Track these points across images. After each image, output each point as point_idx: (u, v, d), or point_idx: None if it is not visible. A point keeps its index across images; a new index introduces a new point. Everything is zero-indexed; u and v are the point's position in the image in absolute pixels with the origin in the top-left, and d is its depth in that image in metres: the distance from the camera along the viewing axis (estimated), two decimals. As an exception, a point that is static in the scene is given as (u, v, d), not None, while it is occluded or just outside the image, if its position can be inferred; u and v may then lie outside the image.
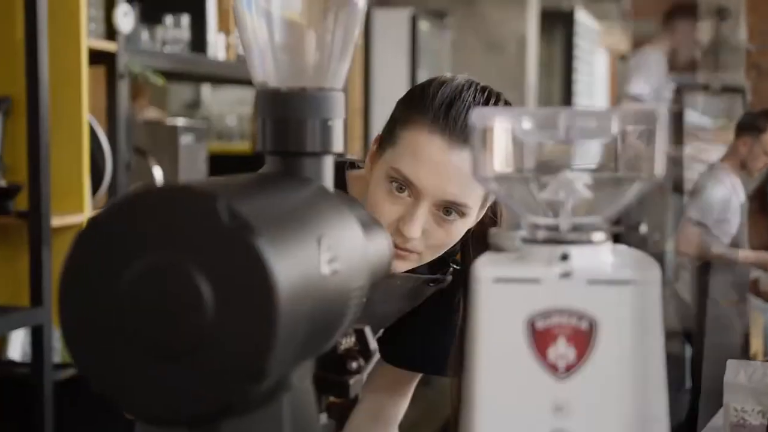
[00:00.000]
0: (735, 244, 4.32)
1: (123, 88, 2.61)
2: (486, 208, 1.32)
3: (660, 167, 0.69)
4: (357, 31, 0.83)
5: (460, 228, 1.26)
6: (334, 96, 0.81)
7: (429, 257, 1.28)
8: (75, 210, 2.45)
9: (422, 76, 5.80)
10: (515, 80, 5.38)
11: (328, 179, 0.81)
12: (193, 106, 5.11)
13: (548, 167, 0.73)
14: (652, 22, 9.92)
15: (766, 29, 9.63)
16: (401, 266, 1.28)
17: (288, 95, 0.80)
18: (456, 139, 1.21)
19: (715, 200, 4.17)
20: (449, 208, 1.23)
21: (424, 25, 4.87)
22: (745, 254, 4.30)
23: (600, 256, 0.69)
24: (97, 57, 2.56)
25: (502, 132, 0.71)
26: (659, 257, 4.89)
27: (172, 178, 2.95)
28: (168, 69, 2.92)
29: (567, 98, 7.34)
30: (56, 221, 2.37)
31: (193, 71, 3.16)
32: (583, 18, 7.39)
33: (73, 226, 2.47)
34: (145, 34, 2.89)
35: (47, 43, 2.34)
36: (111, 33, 2.60)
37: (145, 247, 0.61)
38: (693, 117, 4.61)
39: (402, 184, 1.23)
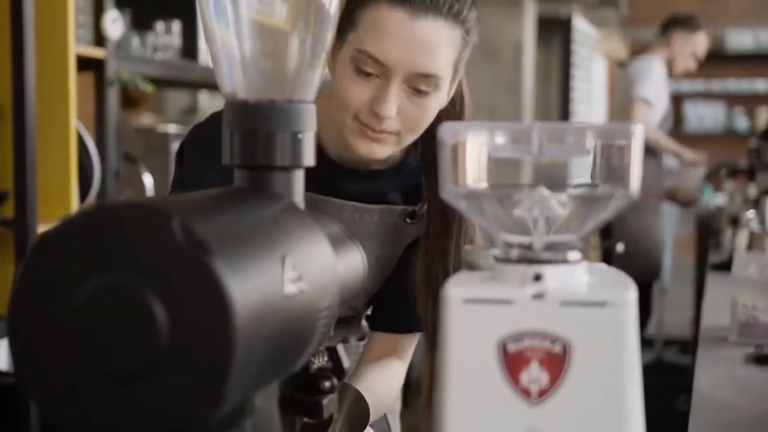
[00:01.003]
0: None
1: (112, 95, 2.58)
2: (457, 82, 1.30)
3: (636, 184, 0.66)
4: (328, 40, 0.81)
5: (433, 103, 1.24)
6: (304, 108, 0.78)
7: (408, 138, 1.26)
8: (62, 217, 2.42)
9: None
10: (512, 86, 5.35)
11: (299, 194, 0.79)
12: (189, 112, 5.09)
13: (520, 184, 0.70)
14: (650, 30, 9.91)
15: None
16: (381, 150, 1.25)
17: (256, 107, 0.77)
18: (418, 8, 1.19)
19: (659, 80, 4.38)
20: (420, 83, 1.21)
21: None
22: (669, 143, 4.62)
23: (575, 276, 0.67)
24: (85, 63, 2.54)
25: (474, 147, 0.68)
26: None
27: (164, 185, 2.92)
28: (158, 76, 2.90)
29: (564, 105, 7.32)
30: (43, 229, 2.34)
31: (184, 78, 3.13)
32: (580, 25, 7.37)
33: (60, 234, 2.44)
34: (135, 41, 2.87)
35: (34, 49, 2.31)
36: (100, 39, 2.58)
37: (97, 266, 0.58)
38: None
39: (369, 64, 1.20)
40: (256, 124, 0.77)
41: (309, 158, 0.79)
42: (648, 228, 4.34)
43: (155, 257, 0.57)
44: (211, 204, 0.67)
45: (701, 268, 4.59)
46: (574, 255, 0.68)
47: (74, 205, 2.45)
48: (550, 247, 0.68)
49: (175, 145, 2.99)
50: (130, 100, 3.51)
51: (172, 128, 3.07)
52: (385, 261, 1.38)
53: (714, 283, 2.69)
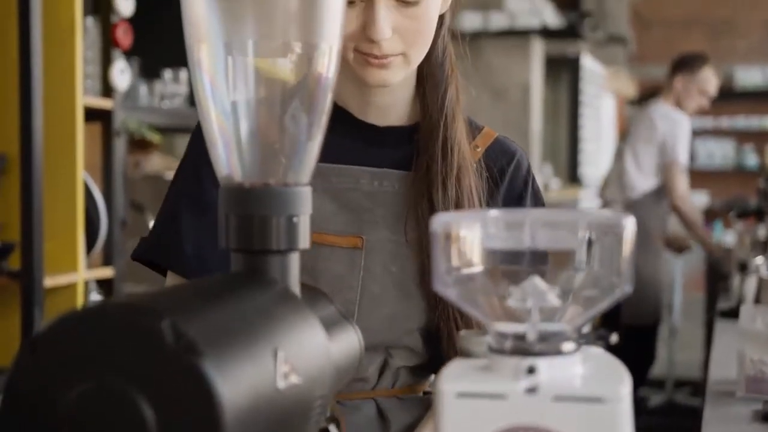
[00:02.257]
0: None
1: (119, 145, 2.60)
2: None
3: (628, 279, 0.66)
4: (323, 123, 0.81)
5: (430, 10, 1.16)
6: (299, 191, 0.78)
7: (416, 55, 1.18)
8: (69, 269, 2.43)
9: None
10: (520, 127, 5.37)
11: (294, 277, 0.78)
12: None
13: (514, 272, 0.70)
14: (659, 67, 9.94)
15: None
16: (392, 75, 1.17)
17: (252, 191, 0.77)
18: None
19: (684, 142, 4.39)
20: None
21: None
22: (699, 229, 4.60)
23: (569, 367, 0.67)
24: (93, 114, 2.56)
25: (466, 237, 0.68)
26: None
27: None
28: (166, 124, 2.91)
29: (573, 143, 7.32)
30: (49, 281, 2.35)
31: (192, 126, 3.14)
32: (588, 63, 7.39)
33: (66, 286, 2.44)
34: (143, 89, 2.89)
35: (42, 101, 2.33)
36: (108, 90, 2.59)
37: (86, 368, 0.58)
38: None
39: None
40: (252, 208, 0.77)
41: (305, 241, 0.79)
42: (652, 271, 4.31)
43: (145, 359, 0.57)
44: (203, 298, 0.67)
45: (711, 311, 4.57)
46: (568, 346, 0.67)
47: (81, 257, 2.45)
48: (543, 337, 0.68)
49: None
50: (140, 143, 3.53)
51: (179, 175, 3.07)
52: (415, 241, 1.21)
53: (722, 331, 2.67)
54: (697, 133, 9.91)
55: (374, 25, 1.12)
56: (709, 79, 4.48)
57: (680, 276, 6.01)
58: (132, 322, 0.58)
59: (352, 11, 1.13)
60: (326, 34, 0.78)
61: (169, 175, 3.31)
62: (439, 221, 0.68)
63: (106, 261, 2.64)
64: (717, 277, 4.60)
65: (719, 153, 9.91)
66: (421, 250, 1.19)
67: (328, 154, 1.25)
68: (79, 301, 2.46)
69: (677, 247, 4.87)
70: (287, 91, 0.79)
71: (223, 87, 0.77)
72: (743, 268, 3.28)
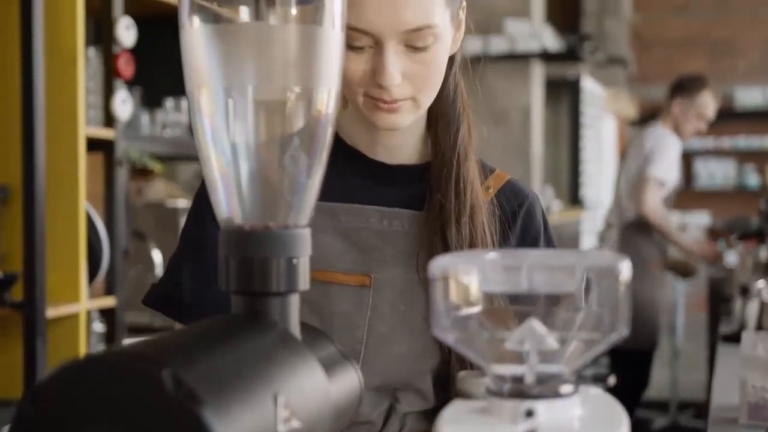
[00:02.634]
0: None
1: (121, 175, 2.61)
2: (463, 24, 1.21)
3: (624, 322, 0.66)
4: (323, 164, 0.82)
5: (439, 53, 1.14)
6: (299, 233, 0.79)
7: (425, 99, 1.17)
8: (71, 299, 2.44)
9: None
10: (521, 150, 5.38)
11: (294, 318, 0.79)
12: (200, 177, 5.11)
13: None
14: (659, 87, 9.97)
15: (650, 0, 9.66)
16: (401, 119, 1.16)
17: (252, 234, 0.78)
18: None
19: (674, 159, 4.35)
20: (416, 40, 1.12)
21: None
22: (679, 237, 4.56)
23: (567, 410, 0.67)
24: (95, 144, 2.57)
25: (463, 280, 0.69)
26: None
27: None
28: (167, 153, 2.92)
29: (574, 165, 7.34)
30: (52, 312, 2.35)
31: (193, 154, 3.16)
32: (589, 85, 7.42)
33: (69, 316, 2.45)
34: (145, 118, 2.90)
35: (45, 131, 2.34)
36: (109, 120, 2.61)
37: (87, 418, 0.59)
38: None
39: (356, 38, 1.12)
40: (252, 250, 0.78)
41: (305, 282, 0.79)
42: (649, 296, 4.30)
43: (146, 408, 0.58)
44: (203, 344, 0.67)
45: (713, 333, 4.56)
46: (566, 388, 0.68)
47: (83, 287, 2.46)
48: (541, 380, 0.68)
49: (184, 220, 3.01)
50: (142, 170, 3.54)
51: (181, 203, 3.09)
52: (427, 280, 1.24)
53: (724, 356, 2.67)
54: (698, 153, 9.94)
55: (383, 71, 1.12)
56: (708, 104, 4.47)
57: (683, 297, 6.01)
58: (132, 371, 0.59)
59: (360, 56, 1.13)
60: (325, 78, 0.79)
61: (171, 202, 3.33)
62: (437, 265, 0.69)
63: (109, 290, 2.64)
64: (719, 299, 4.59)
65: (720, 173, 9.93)
66: None
67: (338, 193, 1.25)
68: (82, 332, 2.46)
69: (682, 271, 4.86)
70: (286, 133, 0.80)
71: (223, 130, 0.78)
72: (745, 291, 3.27)
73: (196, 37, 0.77)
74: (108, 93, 2.59)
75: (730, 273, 4.60)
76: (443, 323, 0.69)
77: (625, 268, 0.67)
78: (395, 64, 1.12)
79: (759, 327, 2.79)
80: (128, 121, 2.67)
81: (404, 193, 1.25)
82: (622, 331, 0.68)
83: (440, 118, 1.24)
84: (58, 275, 2.41)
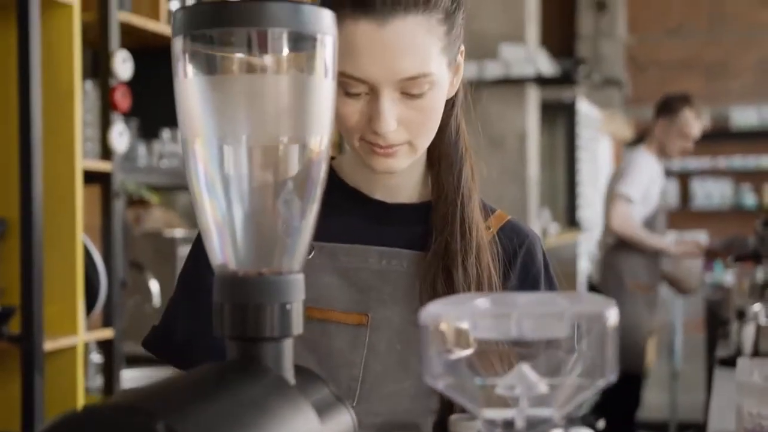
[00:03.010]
0: (648, 228, 4.42)
1: (118, 207, 2.62)
2: (461, 69, 1.22)
3: (612, 367, 0.67)
4: (315, 211, 0.83)
5: (436, 98, 1.15)
6: (292, 279, 0.80)
7: (422, 143, 1.17)
8: (69, 332, 2.44)
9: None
10: (517, 174, 5.40)
11: (287, 363, 0.80)
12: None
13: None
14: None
15: (644, 22, 9.71)
16: (397, 163, 1.17)
17: (245, 280, 0.79)
18: (381, 12, 1.11)
19: (647, 177, 4.30)
20: (412, 87, 1.12)
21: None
22: (652, 239, 4.38)
23: (557, 455, 0.68)
24: (92, 176, 2.58)
25: (455, 327, 0.70)
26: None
27: (171, 290, 2.93)
28: (164, 184, 2.94)
29: (570, 187, 7.36)
30: (49, 345, 2.36)
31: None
32: (584, 107, 7.45)
33: (66, 348, 2.45)
34: (142, 149, 2.92)
35: (42, 164, 2.36)
36: (106, 152, 2.62)
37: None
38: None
39: (353, 85, 1.13)
40: (246, 297, 0.79)
41: (298, 327, 0.80)
42: (635, 319, 4.26)
43: (141, 461, 0.59)
44: (197, 392, 0.68)
45: (711, 355, 4.56)
46: (556, 432, 0.69)
47: (80, 320, 2.46)
48: (532, 424, 0.69)
49: (182, 250, 3.02)
50: (141, 199, 3.55)
51: (179, 233, 3.11)
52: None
53: (721, 380, 2.67)
54: (694, 173, 9.98)
55: (379, 118, 1.12)
56: (689, 122, 4.41)
57: (681, 318, 6.01)
58: (127, 424, 0.60)
59: (357, 102, 1.14)
60: (317, 126, 0.81)
61: (169, 232, 3.35)
62: (429, 312, 0.70)
63: (106, 322, 2.65)
64: (716, 321, 4.60)
65: (717, 193, 9.96)
66: None
67: (338, 233, 1.26)
68: (80, 364, 2.47)
69: (682, 289, 4.85)
70: (280, 179, 0.81)
71: (216, 178, 0.80)
72: (741, 315, 3.28)
73: (190, 88, 0.79)
74: (105, 126, 2.61)
75: (728, 294, 4.60)
76: (434, 369, 0.70)
77: (612, 315, 0.68)
78: (391, 110, 1.12)
79: (755, 351, 2.80)
80: (125, 152, 2.69)
81: (404, 233, 1.25)
82: (610, 377, 0.69)
83: (442, 159, 1.25)
84: (56, 308, 2.42)
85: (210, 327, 1.00)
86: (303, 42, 0.79)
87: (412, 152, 1.17)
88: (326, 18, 0.79)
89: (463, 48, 1.22)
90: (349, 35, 1.12)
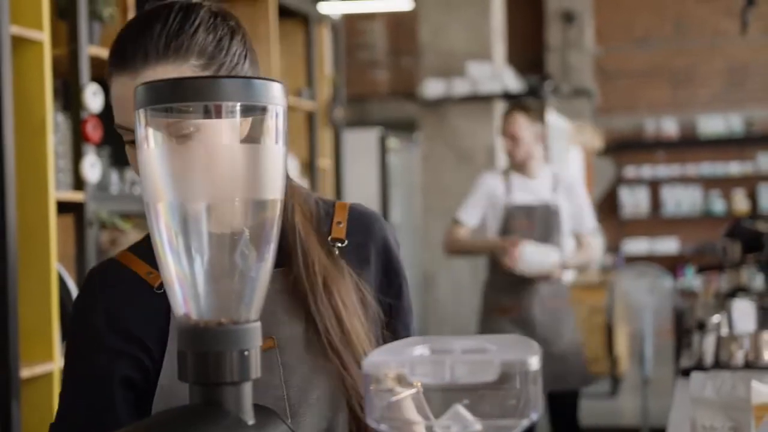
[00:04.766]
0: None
1: (91, 236, 2.68)
2: None
3: (536, 408, 0.75)
4: (270, 262, 0.90)
5: (215, 140, 1.14)
6: (250, 327, 0.87)
7: None
8: (45, 360, 2.50)
9: (394, 191, 5.93)
10: (486, 188, 5.48)
11: (247, 405, 0.87)
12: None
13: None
14: (624, 118, 10.15)
15: (612, 33, 9.87)
16: None
17: (206, 329, 0.86)
18: (133, 65, 1.17)
19: (479, 196, 4.09)
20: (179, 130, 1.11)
21: (393, 142, 4.98)
22: (475, 242, 4.15)
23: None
24: (65, 206, 2.64)
25: (395, 375, 0.77)
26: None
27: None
28: (138, 211, 3.00)
29: (542, 198, 7.44)
30: (26, 372, 2.41)
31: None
32: (553, 119, 7.55)
33: (42, 375, 2.50)
34: (114, 177, 2.98)
35: (15, 196, 2.41)
36: (79, 183, 2.68)
37: None
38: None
39: (125, 134, 1.19)
40: (207, 345, 0.86)
41: (256, 371, 0.87)
42: (565, 335, 4.17)
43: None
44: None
45: (678, 363, 4.65)
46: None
47: (56, 346, 2.52)
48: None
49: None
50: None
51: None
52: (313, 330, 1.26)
53: (682, 391, 2.75)
54: (664, 181, 10.12)
55: None
56: (501, 122, 4.19)
57: (651, 325, 6.11)
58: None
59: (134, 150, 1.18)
60: (270, 187, 0.88)
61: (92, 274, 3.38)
62: (370, 362, 0.77)
63: (82, 347, 2.70)
64: (683, 328, 4.69)
65: (687, 200, 10.10)
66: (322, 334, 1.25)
67: None
68: (56, 390, 2.52)
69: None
70: (236, 237, 0.88)
71: (178, 237, 0.87)
72: (702, 326, 3.37)
73: (152, 156, 0.86)
74: (77, 157, 2.66)
75: (694, 303, 4.69)
76: (376, 413, 0.78)
77: (535, 360, 0.76)
78: None
79: (716, 362, 2.88)
80: (97, 181, 2.75)
81: None
82: (533, 416, 0.76)
83: None
84: (31, 336, 2.47)
85: (108, 404, 1.05)
86: (254, 112, 0.86)
87: None
88: (276, 90, 0.87)
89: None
90: (114, 89, 1.20)
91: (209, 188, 0.86)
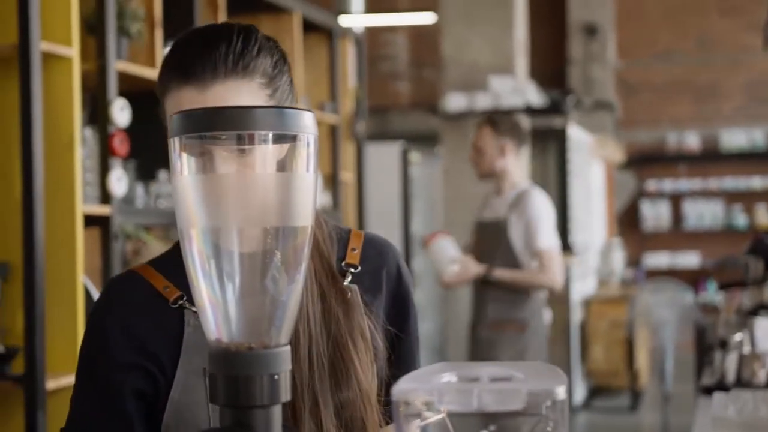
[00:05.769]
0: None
1: (117, 249, 2.71)
2: None
3: (562, 437, 0.76)
4: (300, 287, 0.92)
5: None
6: (279, 352, 0.89)
7: None
8: (71, 372, 2.52)
9: (415, 204, 5.94)
10: (508, 202, 5.47)
11: (276, 428, 0.89)
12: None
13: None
14: (646, 131, 10.13)
15: (634, 47, 9.82)
16: None
17: (236, 353, 0.88)
18: (202, 78, 1.18)
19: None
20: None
21: (415, 156, 4.99)
22: (500, 272, 3.92)
23: None
24: (92, 220, 2.67)
25: (423, 402, 0.79)
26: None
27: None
28: (162, 223, 3.03)
29: (563, 212, 7.44)
30: (52, 384, 2.44)
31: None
32: (575, 133, 7.55)
33: (68, 387, 2.53)
34: (140, 190, 3.01)
35: (44, 210, 2.44)
36: (106, 196, 2.71)
37: None
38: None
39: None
40: (237, 369, 0.88)
41: (286, 395, 0.89)
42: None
43: None
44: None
45: (699, 380, 4.63)
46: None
47: (81, 359, 2.55)
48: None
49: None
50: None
51: (175, 270, 3.18)
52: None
53: (704, 408, 2.74)
54: (686, 195, 10.09)
55: None
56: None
57: (672, 340, 6.09)
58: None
59: None
60: (301, 214, 0.90)
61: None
62: (399, 390, 0.79)
63: (106, 359, 2.73)
64: (705, 344, 4.67)
65: (709, 214, 10.06)
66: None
67: None
68: (81, 401, 2.55)
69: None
70: (267, 262, 0.90)
71: (211, 263, 0.89)
72: (724, 344, 3.35)
73: (186, 184, 0.88)
74: (104, 171, 2.70)
75: (716, 319, 4.67)
76: (405, 438, 0.79)
77: (562, 390, 0.77)
78: (222, 168, 1.11)
79: (738, 380, 2.87)
80: (124, 195, 2.78)
81: None
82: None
83: None
84: (58, 348, 2.50)
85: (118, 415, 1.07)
86: (286, 141, 0.88)
87: None
88: (307, 119, 0.88)
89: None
90: (177, 102, 1.20)
91: (241, 214, 0.88)
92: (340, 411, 1.24)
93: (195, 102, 1.19)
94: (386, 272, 1.35)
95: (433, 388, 0.79)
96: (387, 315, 1.34)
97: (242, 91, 1.20)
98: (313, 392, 1.23)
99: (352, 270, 1.31)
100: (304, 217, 0.90)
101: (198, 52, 1.20)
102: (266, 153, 0.86)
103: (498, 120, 4.08)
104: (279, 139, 0.87)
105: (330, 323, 1.27)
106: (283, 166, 0.88)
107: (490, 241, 4.00)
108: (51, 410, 2.45)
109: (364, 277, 1.32)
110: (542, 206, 4.00)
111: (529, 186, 4.07)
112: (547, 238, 3.94)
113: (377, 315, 1.31)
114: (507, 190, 4.02)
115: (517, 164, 4.05)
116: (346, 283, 1.30)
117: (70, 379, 2.53)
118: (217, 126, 0.86)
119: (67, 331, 2.52)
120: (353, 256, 1.33)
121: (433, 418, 0.81)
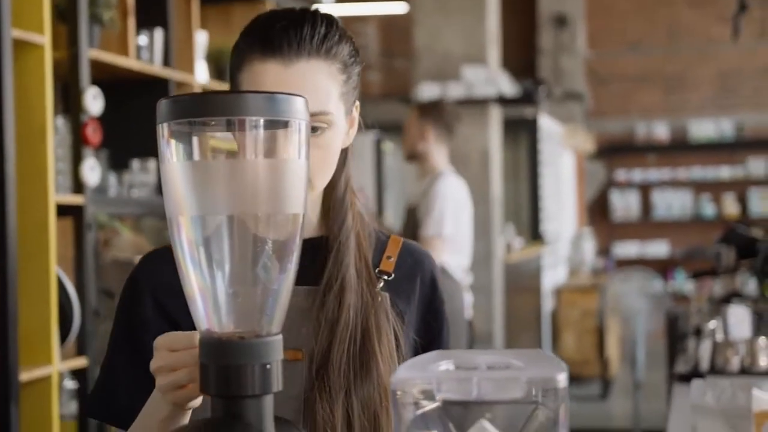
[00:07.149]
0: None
1: (90, 238, 2.67)
2: (356, 122, 1.29)
3: (564, 424, 0.75)
4: (292, 276, 0.90)
5: (333, 139, 1.22)
6: (271, 341, 0.88)
7: (320, 183, 1.24)
8: (44, 363, 2.49)
9: (389, 195, 5.93)
10: (481, 193, 5.48)
11: (268, 417, 0.87)
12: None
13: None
14: (616, 121, 10.18)
15: (604, 37, 9.87)
16: None
17: (228, 343, 0.87)
18: (288, 54, 1.20)
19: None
20: (312, 122, 1.14)
21: (388, 146, 4.97)
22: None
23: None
24: (65, 209, 2.64)
25: (421, 390, 0.78)
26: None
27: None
28: (135, 213, 2.99)
29: (534, 202, 7.47)
30: (25, 375, 2.41)
31: (160, 213, 3.23)
32: (546, 123, 7.57)
33: (41, 378, 2.50)
34: (113, 180, 2.97)
35: (16, 200, 2.40)
36: (78, 186, 2.67)
37: None
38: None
39: None
40: (229, 358, 0.86)
41: (278, 384, 0.88)
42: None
43: None
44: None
45: (671, 367, 4.66)
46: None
47: (55, 350, 2.51)
48: (491, 476, 0.77)
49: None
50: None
51: (149, 260, 3.14)
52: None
53: (680, 396, 2.76)
54: (655, 185, 10.15)
55: None
56: None
57: (643, 329, 6.12)
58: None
59: None
60: (292, 201, 0.88)
61: (137, 259, 3.38)
62: (397, 378, 0.78)
63: (80, 351, 2.70)
64: (676, 333, 4.70)
65: (677, 204, 10.13)
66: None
67: None
68: (54, 393, 2.52)
69: None
70: (258, 251, 0.88)
71: (200, 252, 0.87)
72: (698, 332, 3.38)
73: (174, 171, 0.86)
74: (76, 160, 2.66)
75: (687, 307, 4.70)
76: (404, 426, 0.78)
77: (562, 379, 0.76)
78: None
79: (712, 367, 2.89)
80: (97, 184, 2.75)
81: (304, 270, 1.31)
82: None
83: (331, 209, 1.30)
84: (31, 339, 2.47)
85: (151, 387, 1.06)
86: (277, 127, 0.86)
87: (310, 190, 1.19)
88: (298, 104, 0.87)
89: (358, 104, 1.30)
90: (258, 74, 1.21)
91: (230, 201, 0.86)
92: (362, 407, 1.23)
93: (278, 76, 1.20)
94: (420, 283, 1.34)
95: (431, 376, 0.78)
96: (418, 323, 1.33)
97: (323, 72, 1.22)
98: (335, 388, 1.23)
99: (385, 278, 1.31)
100: (296, 205, 0.88)
101: (285, 29, 1.21)
102: (257, 138, 0.84)
103: (425, 106, 4.14)
104: (270, 124, 0.86)
105: (360, 320, 1.26)
106: (274, 152, 0.87)
107: (410, 226, 3.99)
108: (24, 402, 2.41)
109: (397, 284, 1.32)
110: (445, 192, 3.94)
111: (446, 172, 4.04)
112: (434, 226, 3.88)
113: (407, 322, 1.31)
114: (426, 175, 4.04)
115: (438, 150, 4.03)
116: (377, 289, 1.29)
117: (43, 371, 2.49)
118: (206, 111, 0.85)
119: (41, 322, 2.49)
120: (388, 263, 1.33)
121: (430, 406, 0.80)
